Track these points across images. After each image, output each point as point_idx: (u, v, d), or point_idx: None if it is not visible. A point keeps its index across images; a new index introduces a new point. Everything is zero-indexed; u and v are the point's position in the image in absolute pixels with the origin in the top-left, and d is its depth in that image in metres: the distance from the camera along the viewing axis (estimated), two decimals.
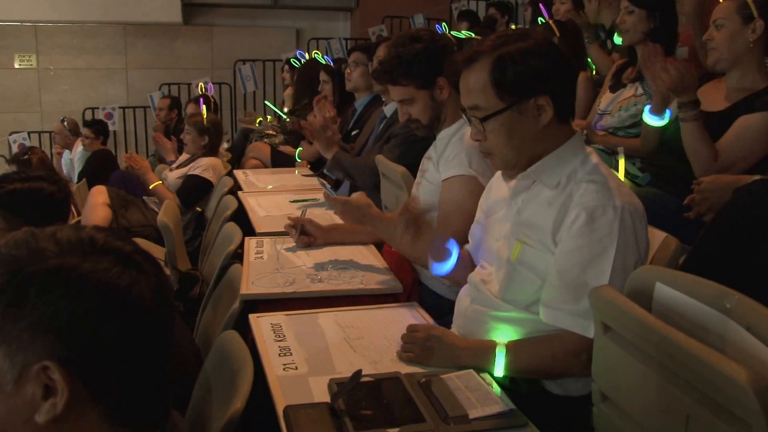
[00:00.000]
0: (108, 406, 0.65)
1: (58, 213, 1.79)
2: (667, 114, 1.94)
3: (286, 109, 4.67)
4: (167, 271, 2.32)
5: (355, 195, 1.77)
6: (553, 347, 1.17)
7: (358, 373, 1.08)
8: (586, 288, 1.11)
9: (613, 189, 1.16)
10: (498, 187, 1.38)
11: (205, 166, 3.26)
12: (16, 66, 6.73)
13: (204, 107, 3.56)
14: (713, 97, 1.95)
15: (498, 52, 1.19)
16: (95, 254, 0.66)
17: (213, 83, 6.51)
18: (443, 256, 1.39)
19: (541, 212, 1.21)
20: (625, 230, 1.13)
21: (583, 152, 1.24)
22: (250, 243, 1.94)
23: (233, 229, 2.06)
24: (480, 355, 1.20)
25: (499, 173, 1.37)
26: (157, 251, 2.52)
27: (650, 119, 2.01)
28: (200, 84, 5.19)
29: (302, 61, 4.63)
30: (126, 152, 6.52)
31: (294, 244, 1.88)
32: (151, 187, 3.32)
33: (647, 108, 2.02)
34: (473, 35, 3.01)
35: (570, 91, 1.25)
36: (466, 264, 1.45)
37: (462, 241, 1.54)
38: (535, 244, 1.20)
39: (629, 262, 1.13)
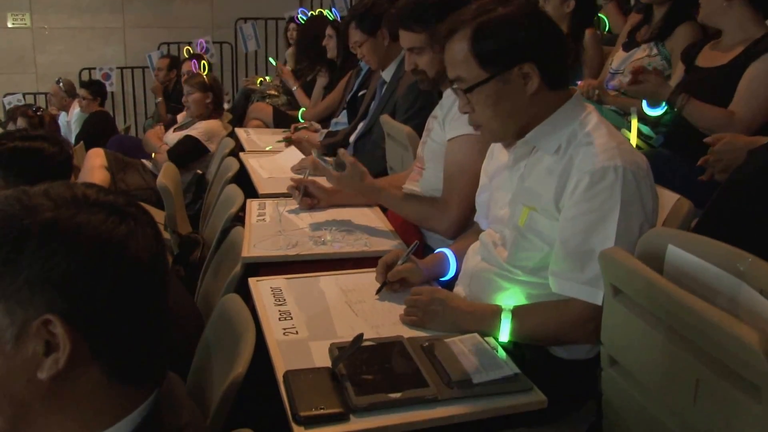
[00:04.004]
0: (108, 362, 0.64)
1: (58, 175, 1.75)
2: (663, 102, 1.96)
3: (289, 68, 4.57)
4: (167, 235, 2.30)
5: (347, 159, 1.70)
6: (561, 315, 1.15)
7: (359, 338, 1.06)
8: (592, 254, 1.09)
9: (614, 149, 1.12)
10: (500, 152, 1.35)
11: (201, 129, 3.21)
12: (9, 25, 6.55)
13: (205, 64, 3.48)
14: (715, 54, 1.94)
15: (477, 22, 1.16)
16: (90, 207, 0.65)
17: (213, 42, 6.37)
18: (443, 266, 1.43)
19: (543, 180, 1.18)
20: (628, 191, 1.09)
21: (583, 112, 1.20)
22: (252, 205, 1.91)
23: (235, 191, 2.03)
24: (485, 320, 1.18)
25: None
26: (157, 215, 2.49)
27: (651, 111, 2.02)
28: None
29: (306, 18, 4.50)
30: (124, 113, 6.46)
31: (297, 206, 1.85)
32: (153, 156, 3.29)
33: (645, 102, 2.03)
34: None
35: (558, 57, 1.21)
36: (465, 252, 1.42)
37: (468, 203, 1.50)
38: (541, 211, 1.18)
39: (634, 224, 1.10)
